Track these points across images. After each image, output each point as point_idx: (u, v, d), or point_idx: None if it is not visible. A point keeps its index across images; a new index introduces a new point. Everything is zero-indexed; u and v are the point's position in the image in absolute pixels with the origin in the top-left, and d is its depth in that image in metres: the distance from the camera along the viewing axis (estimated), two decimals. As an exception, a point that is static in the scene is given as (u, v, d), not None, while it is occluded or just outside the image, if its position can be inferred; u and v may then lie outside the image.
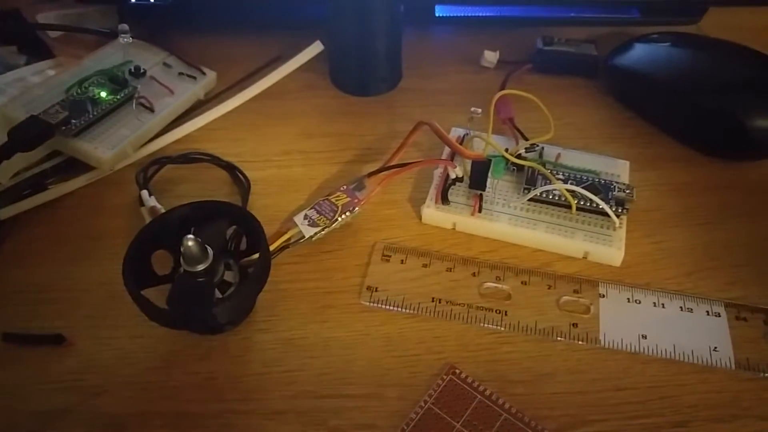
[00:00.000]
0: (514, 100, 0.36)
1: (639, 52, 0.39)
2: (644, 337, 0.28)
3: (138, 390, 0.27)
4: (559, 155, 0.34)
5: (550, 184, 0.31)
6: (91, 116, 0.34)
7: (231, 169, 0.35)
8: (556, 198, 0.32)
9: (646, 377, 0.27)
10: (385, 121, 0.39)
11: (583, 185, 0.31)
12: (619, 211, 0.31)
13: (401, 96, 0.41)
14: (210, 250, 0.26)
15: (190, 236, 0.25)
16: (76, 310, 0.29)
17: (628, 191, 0.32)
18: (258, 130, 0.38)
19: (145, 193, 0.32)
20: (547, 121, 0.35)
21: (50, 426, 0.25)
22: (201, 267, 0.26)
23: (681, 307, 0.30)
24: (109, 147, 0.33)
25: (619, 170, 0.34)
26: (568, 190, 0.31)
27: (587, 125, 0.39)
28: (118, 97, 0.35)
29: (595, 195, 0.31)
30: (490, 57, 0.41)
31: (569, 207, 0.31)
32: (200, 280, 0.26)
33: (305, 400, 0.26)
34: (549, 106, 0.35)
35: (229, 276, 0.28)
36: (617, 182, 0.32)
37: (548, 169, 0.32)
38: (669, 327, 0.29)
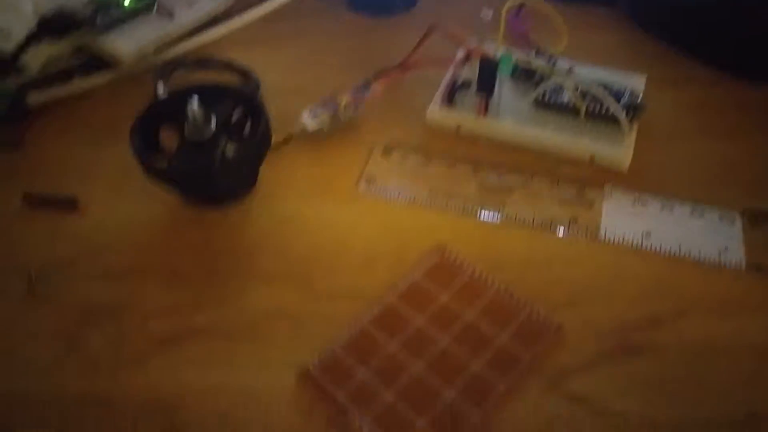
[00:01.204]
0: (527, 16, 0.36)
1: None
2: (648, 234, 0.28)
3: (139, 250, 0.28)
4: (571, 68, 0.34)
5: (550, 80, 0.31)
6: (115, 16, 0.36)
7: (243, 74, 0.36)
8: (565, 102, 0.31)
9: (647, 271, 0.27)
10: (398, 40, 0.38)
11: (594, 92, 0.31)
12: (630, 115, 0.31)
13: (416, 17, 0.41)
14: (214, 120, 0.27)
15: (195, 100, 0.26)
16: (90, 181, 0.30)
17: (639, 98, 0.31)
18: (272, 44, 0.39)
19: (160, 84, 0.33)
20: (562, 37, 0.34)
21: (57, 272, 0.27)
22: (204, 134, 0.27)
23: (691, 211, 0.29)
24: (131, 45, 0.35)
25: (634, 83, 0.33)
26: (581, 94, 0.31)
27: (605, 49, 0.38)
28: (142, 2, 0.37)
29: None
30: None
31: (578, 114, 0.31)
32: (203, 148, 0.27)
33: (296, 266, 0.27)
34: (566, 29, 0.34)
35: (230, 152, 0.28)
36: (629, 90, 0.32)
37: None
38: (676, 227, 0.28)
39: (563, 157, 0.31)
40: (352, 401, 0.22)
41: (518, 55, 0.33)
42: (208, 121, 0.27)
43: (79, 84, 0.34)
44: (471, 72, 0.32)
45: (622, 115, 0.30)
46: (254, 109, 0.29)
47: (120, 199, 0.30)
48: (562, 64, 0.34)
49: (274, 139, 0.30)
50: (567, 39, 0.34)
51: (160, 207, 0.29)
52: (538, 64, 0.33)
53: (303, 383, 0.23)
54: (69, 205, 0.29)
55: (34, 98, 0.33)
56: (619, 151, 0.30)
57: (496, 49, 0.33)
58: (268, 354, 0.24)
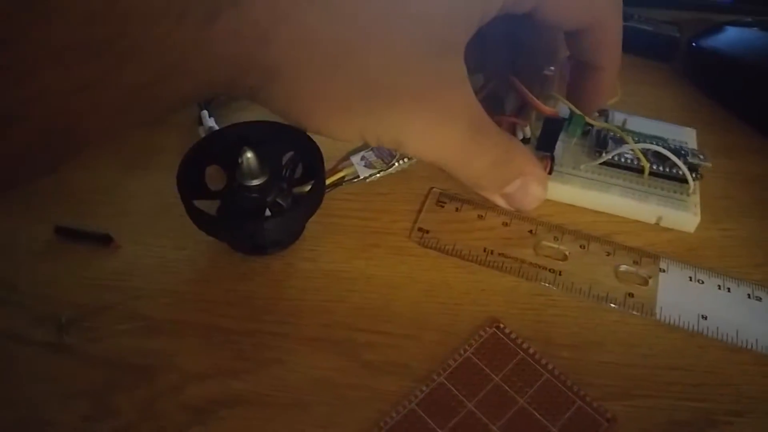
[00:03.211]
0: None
1: (731, 36, 0.37)
2: (704, 317, 0.27)
3: (176, 298, 0.26)
4: (625, 121, 0.33)
5: (622, 145, 0.30)
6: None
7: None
8: (628, 161, 0.30)
9: (703, 360, 0.26)
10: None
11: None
12: (693, 176, 0.30)
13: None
14: (266, 168, 0.26)
15: (249, 148, 0.25)
16: (125, 215, 0.29)
17: (701, 156, 0.30)
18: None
19: (205, 113, 0.32)
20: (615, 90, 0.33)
21: (88, 319, 0.25)
22: (256, 182, 0.26)
23: (749, 295, 0.28)
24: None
25: (686, 138, 0.33)
26: (642, 152, 0.30)
27: (660, 107, 0.36)
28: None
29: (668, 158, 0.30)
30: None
31: (640, 172, 0.30)
32: (253, 195, 0.26)
33: (341, 331, 0.26)
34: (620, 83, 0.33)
35: (280, 199, 0.27)
36: (689, 148, 0.31)
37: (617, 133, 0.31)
38: (733, 311, 0.27)
39: (620, 224, 0.30)
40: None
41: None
42: (261, 169, 0.26)
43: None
44: (530, 128, 0.31)
45: (689, 177, 0.29)
46: (309, 152, 0.27)
47: (155, 237, 0.28)
48: (617, 116, 0.33)
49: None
50: (620, 93, 0.33)
51: (197, 250, 0.28)
52: (598, 121, 0.31)
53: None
54: (103, 240, 0.28)
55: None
56: (687, 214, 0.30)
57: (556, 104, 0.31)
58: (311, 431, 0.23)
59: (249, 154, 0.25)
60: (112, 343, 0.25)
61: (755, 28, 0.37)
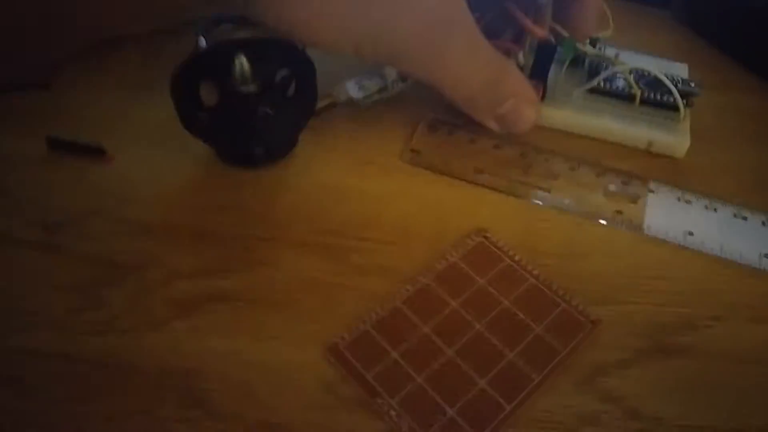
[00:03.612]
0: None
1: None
2: (690, 233, 0.27)
3: (167, 204, 0.27)
4: (617, 55, 0.33)
5: (614, 68, 0.30)
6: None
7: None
8: (620, 89, 0.31)
9: (687, 272, 0.26)
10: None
11: (646, 79, 0.30)
12: (684, 103, 0.30)
13: None
14: (259, 78, 0.26)
15: (242, 53, 0.25)
16: (120, 130, 0.29)
17: (692, 84, 0.31)
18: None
19: (201, 39, 0.32)
20: (606, 23, 0.33)
21: (79, 222, 0.26)
22: (248, 89, 0.26)
23: (734, 214, 0.28)
24: (173, -7, 0.34)
25: (678, 72, 0.33)
26: (634, 80, 0.30)
27: (652, 49, 0.36)
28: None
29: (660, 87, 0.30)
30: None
31: (632, 100, 0.30)
32: (245, 102, 0.26)
33: (331, 237, 0.26)
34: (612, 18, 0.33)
35: (272, 110, 0.27)
36: (680, 77, 0.31)
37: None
38: (718, 229, 0.27)
39: (613, 149, 0.30)
40: (380, 382, 0.22)
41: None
42: (254, 77, 0.26)
43: (117, 30, 0.33)
44: (524, 55, 0.31)
45: (680, 103, 0.30)
46: (303, 70, 0.27)
47: (149, 152, 0.29)
48: (609, 51, 0.33)
49: (317, 104, 0.29)
50: (612, 26, 0.33)
51: (191, 163, 0.28)
52: (591, 50, 0.32)
53: (330, 359, 0.22)
54: (95, 152, 0.28)
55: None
56: (677, 136, 0.30)
57: (549, 33, 0.32)
58: (295, 325, 0.23)
59: (242, 59, 0.25)
60: (101, 243, 0.25)
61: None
